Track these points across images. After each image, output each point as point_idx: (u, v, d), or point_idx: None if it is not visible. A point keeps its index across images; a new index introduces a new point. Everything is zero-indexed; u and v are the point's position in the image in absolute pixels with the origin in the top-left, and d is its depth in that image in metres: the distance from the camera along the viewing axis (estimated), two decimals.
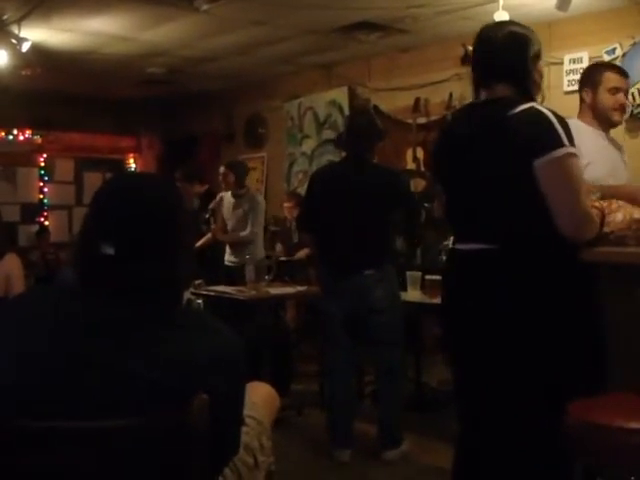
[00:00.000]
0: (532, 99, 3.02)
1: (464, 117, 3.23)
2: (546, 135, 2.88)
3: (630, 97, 7.25)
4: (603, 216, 3.04)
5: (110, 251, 1.93)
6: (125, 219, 1.97)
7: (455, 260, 3.26)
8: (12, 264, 5.12)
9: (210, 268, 7.60)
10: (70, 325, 1.92)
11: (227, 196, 7.73)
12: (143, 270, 1.96)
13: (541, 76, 3.25)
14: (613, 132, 4.45)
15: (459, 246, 3.20)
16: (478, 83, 3.21)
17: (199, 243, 7.94)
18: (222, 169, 7.71)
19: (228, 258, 7.68)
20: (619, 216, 3.10)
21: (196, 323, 2.06)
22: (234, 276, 6.89)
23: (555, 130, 2.86)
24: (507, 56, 3.14)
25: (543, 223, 2.88)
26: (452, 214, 3.33)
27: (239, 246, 7.54)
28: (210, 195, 8.55)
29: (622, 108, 4.29)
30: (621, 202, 3.27)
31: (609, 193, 3.41)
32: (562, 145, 2.85)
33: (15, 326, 1.97)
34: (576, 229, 2.89)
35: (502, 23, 3.21)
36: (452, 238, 3.39)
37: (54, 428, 1.83)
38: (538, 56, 3.18)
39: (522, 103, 2.95)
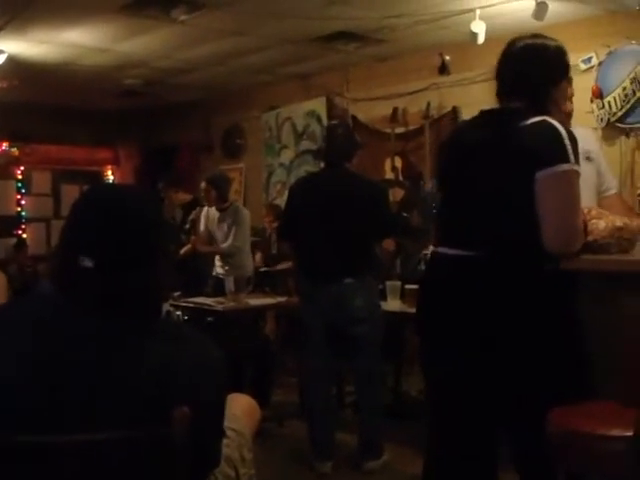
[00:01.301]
0: (546, 114, 3.00)
1: (475, 123, 3.22)
2: (553, 149, 2.86)
3: (606, 105, 7.30)
4: (585, 225, 3.04)
5: (89, 264, 1.92)
6: (104, 231, 1.96)
7: (436, 264, 3.25)
8: None
9: (192, 279, 7.58)
10: (49, 337, 1.90)
11: (212, 210, 7.70)
12: (122, 282, 1.95)
13: (564, 96, 3.24)
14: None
15: (442, 249, 3.19)
16: (497, 94, 3.20)
17: (180, 253, 7.91)
18: (203, 185, 7.65)
19: (217, 270, 7.66)
20: (602, 224, 3.09)
21: (176, 334, 2.04)
22: (222, 287, 6.85)
23: (563, 145, 2.85)
24: (519, 69, 3.14)
25: (531, 235, 2.87)
26: (442, 216, 3.33)
27: (227, 258, 7.52)
28: (195, 205, 8.52)
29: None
30: (601, 210, 3.27)
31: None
32: (567, 161, 2.84)
33: None
34: (563, 245, 2.88)
35: (530, 36, 3.17)
36: (435, 241, 3.37)
37: (37, 442, 1.81)
38: (562, 74, 3.16)
39: (535, 116, 2.94)
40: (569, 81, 3.27)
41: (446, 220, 3.28)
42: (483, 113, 3.20)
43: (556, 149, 2.86)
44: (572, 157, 2.85)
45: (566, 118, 3.12)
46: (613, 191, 4.46)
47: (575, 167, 2.86)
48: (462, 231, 3.11)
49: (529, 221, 2.87)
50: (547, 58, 3.14)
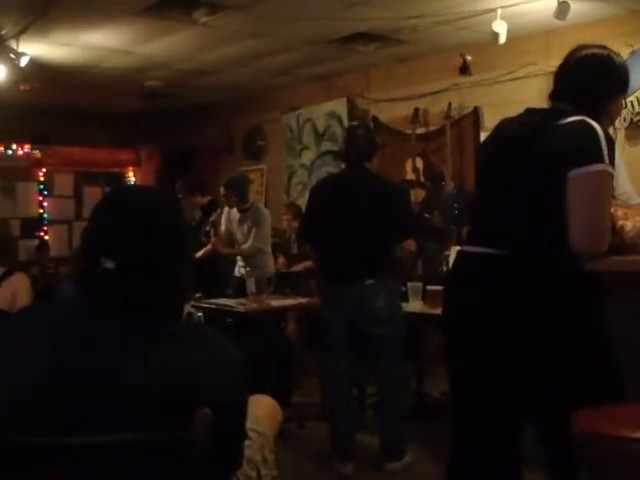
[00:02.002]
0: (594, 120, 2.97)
1: (517, 120, 3.20)
2: (589, 148, 2.83)
3: (629, 105, 7.26)
4: (613, 226, 3.01)
5: (111, 265, 1.92)
6: (125, 232, 1.96)
7: (462, 262, 3.24)
8: (20, 282, 5.16)
9: (212, 280, 7.59)
10: (71, 339, 1.90)
11: (233, 211, 7.71)
12: (144, 283, 1.95)
13: (617, 110, 3.22)
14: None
15: (467, 248, 3.18)
16: (550, 96, 3.19)
17: (199, 254, 7.93)
18: (222, 190, 7.68)
19: (239, 270, 7.67)
20: (629, 225, 3.07)
21: (197, 336, 2.04)
22: (243, 288, 6.85)
23: (599, 146, 2.83)
24: (574, 77, 3.11)
25: (559, 235, 2.85)
26: (474, 214, 3.32)
27: (248, 259, 7.52)
28: (213, 206, 8.53)
29: None
30: (627, 210, 3.24)
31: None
32: (602, 161, 2.82)
33: (16, 341, 1.96)
34: (590, 246, 2.86)
35: (597, 45, 3.16)
36: (464, 239, 3.36)
37: (54, 443, 1.81)
38: (618, 89, 3.15)
39: (576, 115, 2.93)
40: (624, 97, 3.24)
41: (476, 218, 3.27)
42: (528, 110, 3.18)
43: (591, 149, 2.83)
44: (607, 158, 2.82)
45: (607, 121, 3.08)
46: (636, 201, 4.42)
47: (609, 168, 2.83)
48: (490, 229, 3.09)
49: (558, 220, 2.85)
50: (610, 70, 3.12)
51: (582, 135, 2.86)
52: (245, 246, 7.52)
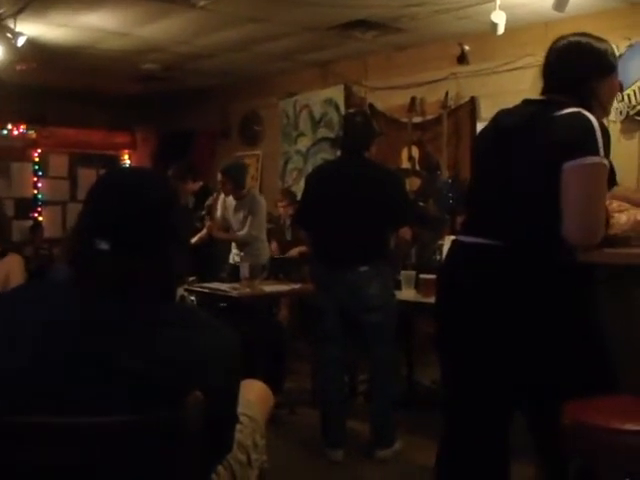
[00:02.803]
0: (586, 109, 2.96)
1: (513, 110, 3.20)
2: (584, 140, 2.84)
3: (626, 98, 7.26)
4: (608, 218, 3.02)
5: (105, 246, 1.93)
6: (120, 214, 1.96)
7: (455, 251, 3.25)
8: (13, 264, 5.15)
9: (207, 265, 7.58)
10: (64, 321, 1.91)
11: (229, 198, 7.68)
12: (138, 265, 1.95)
13: (608, 93, 3.20)
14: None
15: (462, 238, 3.19)
16: (542, 92, 3.18)
17: (193, 240, 7.92)
18: (219, 176, 7.61)
19: (234, 257, 7.66)
20: (623, 218, 3.08)
21: (191, 320, 2.05)
22: (238, 275, 6.84)
23: (594, 137, 2.83)
24: (559, 67, 3.12)
25: (552, 226, 2.86)
26: (469, 203, 3.32)
27: (243, 246, 7.52)
28: (206, 192, 8.51)
29: None
30: (622, 203, 3.25)
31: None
32: (596, 153, 2.82)
33: (8, 321, 1.96)
34: (583, 238, 2.86)
35: (573, 34, 3.16)
36: (459, 229, 3.36)
37: (46, 424, 1.82)
38: (606, 73, 3.14)
39: (572, 107, 2.93)
40: (614, 78, 3.23)
41: (471, 208, 3.28)
42: (524, 101, 3.19)
43: (586, 140, 2.83)
44: (601, 150, 2.83)
45: (598, 106, 3.08)
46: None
47: (604, 161, 2.84)
48: (485, 219, 3.10)
49: (553, 212, 2.85)
50: (590, 55, 3.12)
51: (578, 127, 2.86)
52: (241, 233, 7.51)
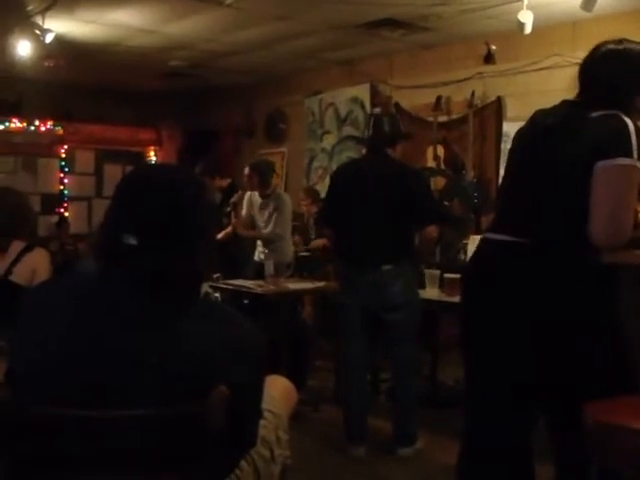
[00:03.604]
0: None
1: (551, 111, 3.20)
2: (617, 141, 2.83)
3: None
4: (637, 221, 3.01)
5: (133, 242, 1.94)
6: (148, 210, 1.98)
7: (482, 249, 3.24)
8: (39, 258, 5.16)
9: (231, 262, 7.60)
10: (92, 315, 1.93)
11: (255, 195, 7.72)
12: (165, 260, 1.96)
13: None
14: None
15: (490, 235, 3.19)
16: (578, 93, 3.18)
17: (219, 236, 7.95)
18: (246, 170, 7.66)
19: (260, 256, 7.68)
20: None
21: (217, 315, 2.06)
22: (263, 273, 6.86)
23: (629, 139, 2.82)
24: (600, 72, 3.10)
25: (581, 226, 2.85)
26: (500, 201, 3.32)
27: (268, 244, 7.53)
28: (233, 189, 8.53)
29: None
30: None
31: None
32: (629, 156, 2.81)
33: (37, 314, 1.98)
34: (609, 239, 2.85)
35: (615, 40, 3.13)
36: (487, 226, 3.36)
37: (74, 417, 1.84)
38: (637, 80, 3.10)
39: (609, 109, 2.92)
40: None
41: (501, 206, 3.27)
42: (562, 102, 3.18)
43: (620, 142, 2.82)
44: (635, 153, 2.81)
45: (636, 115, 3.05)
46: None
47: (637, 164, 2.83)
48: (514, 217, 3.10)
49: (581, 212, 2.85)
50: (631, 65, 3.09)
51: (612, 128, 2.85)
52: (266, 231, 7.54)
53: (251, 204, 7.77)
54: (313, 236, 8.84)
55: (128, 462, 1.87)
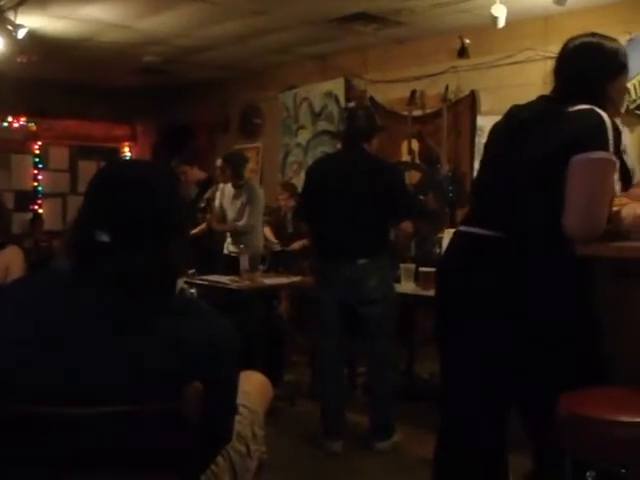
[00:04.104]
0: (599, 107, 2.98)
1: (528, 105, 3.21)
2: (594, 135, 2.85)
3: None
4: (611, 215, 3.03)
5: (105, 238, 1.93)
6: (121, 207, 1.97)
7: (457, 242, 3.26)
8: (13, 256, 5.14)
9: (206, 257, 7.59)
10: (66, 311, 1.92)
11: (228, 187, 7.72)
12: (138, 258, 1.96)
13: (622, 93, 3.24)
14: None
15: (464, 228, 3.20)
16: (553, 91, 3.19)
17: (194, 231, 7.95)
18: (219, 162, 7.68)
19: (228, 248, 7.68)
20: (623, 212, 3.09)
21: (191, 310, 2.06)
22: (233, 266, 6.87)
23: (605, 134, 2.84)
24: (572, 64, 3.13)
25: (555, 221, 2.87)
26: (474, 195, 3.33)
27: (238, 236, 7.53)
28: (208, 184, 8.52)
29: None
30: (622, 197, 3.26)
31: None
32: (605, 149, 2.84)
33: (11, 312, 1.97)
34: (583, 232, 2.87)
35: (585, 35, 3.17)
36: (462, 220, 3.37)
37: (47, 414, 1.83)
38: (617, 73, 3.14)
39: (584, 104, 2.94)
40: (625, 77, 3.24)
41: (475, 199, 3.29)
42: (539, 97, 3.20)
43: (596, 136, 2.85)
44: (611, 147, 2.84)
45: (611, 106, 3.09)
46: None
47: (612, 158, 2.85)
48: (488, 211, 3.11)
49: (555, 205, 2.86)
50: (601, 56, 3.12)
51: (589, 122, 2.88)
52: (240, 223, 7.53)
53: (223, 194, 7.77)
54: (290, 230, 8.85)
55: (102, 460, 1.87)
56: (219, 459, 2.25)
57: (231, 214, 7.65)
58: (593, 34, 3.19)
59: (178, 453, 1.89)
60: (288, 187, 9.34)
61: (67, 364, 1.86)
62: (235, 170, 7.53)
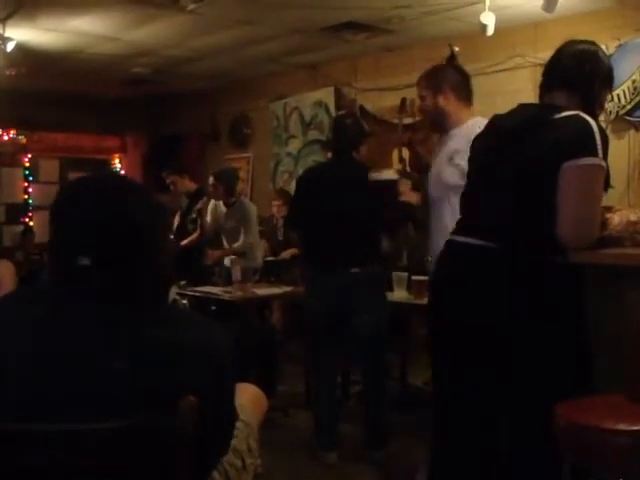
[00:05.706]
0: (589, 113, 3.01)
1: (512, 113, 3.22)
2: (582, 141, 2.87)
3: (616, 98, 7.27)
4: (603, 221, 3.03)
5: (86, 262, 1.90)
6: (98, 228, 1.93)
7: (448, 252, 3.25)
8: (4, 269, 5.12)
9: (198, 268, 7.59)
10: (54, 326, 1.90)
11: (220, 205, 7.76)
12: (121, 276, 1.93)
13: (604, 104, 3.27)
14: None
15: (456, 238, 3.20)
16: (541, 90, 3.21)
17: (185, 242, 7.95)
18: (211, 180, 7.69)
19: (227, 262, 7.67)
20: (616, 218, 3.09)
21: (183, 319, 2.05)
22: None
23: (593, 139, 2.86)
24: (568, 65, 3.15)
25: (547, 227, 2.87)
26: (464, 204, 3.33)
27: (239, 256, 7.52)
28: (200, 194, 8.51)
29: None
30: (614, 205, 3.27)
31: None
32: (595, 155, 2.85)
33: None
34: (577, 238, 2.88)
35: (584, 42, 3.21)
36: (453, 229, 3.37)
37: (41, 431, 1.81)
38: (606, 81, 3.19)
39: (570, 110, 2.95)
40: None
41: (465, 209, 3.28)
42: (520, 105, 3.21)
43: (585, 142, 2.86)
44: (600, 152, 2.85)
45: (600, 111, 3.14)
46: None
47: (602, 163, 2.86)
48: (478, 220, 3.11)
49: (546, 214, 2.86)
50: (603, 64, 3.19)
51: (577, 129, 2.89)
52: (238, 244, 7.57)
53: (217, 213, 7.80)
54: (281, 237, 8.84)
55: (97, 476, 1.85)
56: (215, 473, 2.23)
57: (227, 235, 7.68)
58: (583, 41, 3.21)
59: (174, 468, 1.87)
60: (282, 194, 9.34)
61: (55, 379, 1.84)
62: (227, 187, 7.58)
